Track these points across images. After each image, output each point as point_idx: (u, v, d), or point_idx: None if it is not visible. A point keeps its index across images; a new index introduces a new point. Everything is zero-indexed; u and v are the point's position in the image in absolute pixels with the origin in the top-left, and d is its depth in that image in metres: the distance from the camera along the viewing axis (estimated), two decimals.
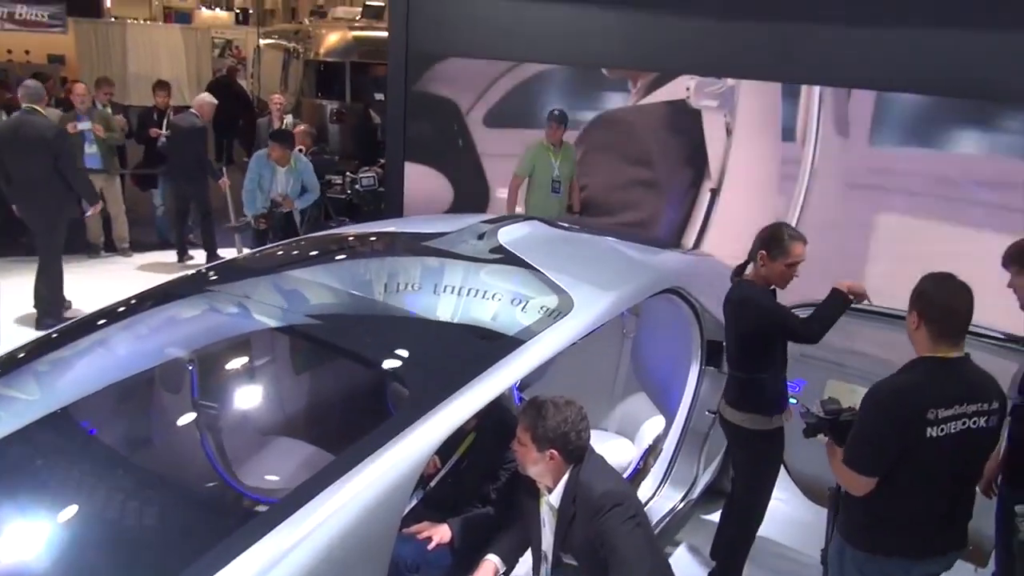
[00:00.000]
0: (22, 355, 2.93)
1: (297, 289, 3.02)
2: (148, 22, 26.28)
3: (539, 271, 3.30)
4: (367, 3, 13.14)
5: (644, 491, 3.91)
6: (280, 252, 3.52)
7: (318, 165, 7.42)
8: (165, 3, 40.09)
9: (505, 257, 3.44)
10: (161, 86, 9.00)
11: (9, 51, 13.07)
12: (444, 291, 3.06)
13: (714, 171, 6.71)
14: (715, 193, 6.73)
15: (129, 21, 22.34)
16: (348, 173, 8.13)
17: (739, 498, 3.76)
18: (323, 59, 11.52)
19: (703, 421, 4.01)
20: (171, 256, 8.41)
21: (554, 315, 2.97)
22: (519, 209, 6.81)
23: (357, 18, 12.74)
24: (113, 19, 24.74)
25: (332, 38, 11.61)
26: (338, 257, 3.43)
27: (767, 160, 6.48)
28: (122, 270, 7.97)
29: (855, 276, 6.02)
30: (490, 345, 2.79)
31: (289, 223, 6.66)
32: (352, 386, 3.04)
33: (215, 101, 8.17)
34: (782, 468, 3.81)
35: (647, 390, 4.33)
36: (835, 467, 2.70)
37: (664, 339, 4.27)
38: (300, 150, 7.57)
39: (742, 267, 3.61)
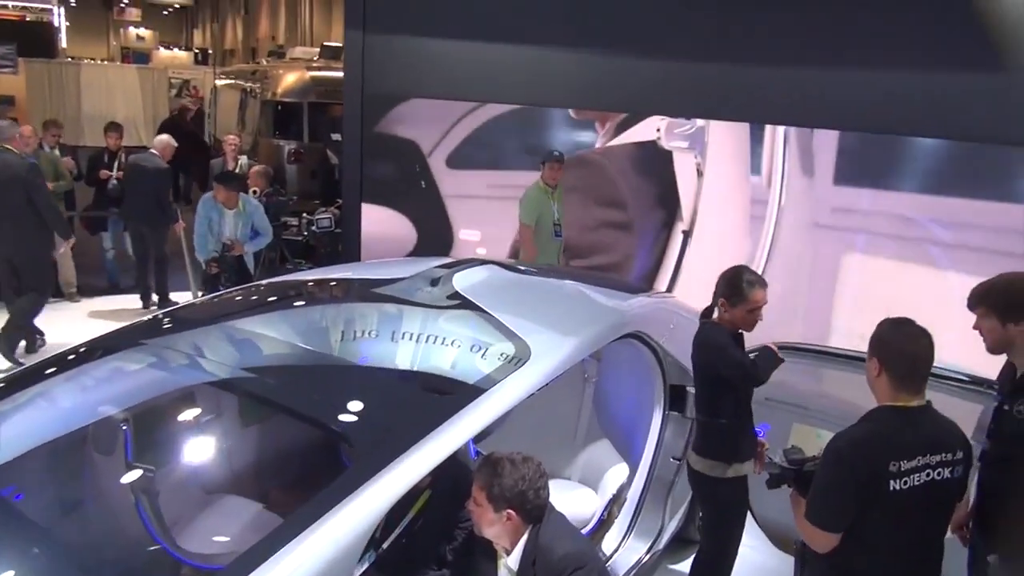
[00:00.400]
0: None
1: (238, 340, 2.86)
2: (105, 62, 26.08)
3: (495, 318, 3.19)
4: (325, 44, 13.11)
5: (609, 543, 3.78)
6: (224, 301, 3.37)
7: (273, 206, 7.26)
8: (123, 43, 39.98)
9: (460, 303, 3.32)
10: (113, 127, 8.79)
11: None
12: (393, 341, 2.94)
13: (686, 213, 6.67)
14: (687, 235, 6.69)
15: (85, 61, 22.12)
16: (304, 214, 7.98)
17: (706, 548, 3.66)
18: (280, 99, 11.43)
19: (668, 468, 3.90)
20: (121, 301, 8.13)
21: (512, 364, 2.86)
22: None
23: (315, 59, 12.68)
24: (70, 59, 24.50)
25: (289, 78, 11.53)
26: (283, 306, 3.29)
27: (738, 201, 6.46)
28: (71, 316, 7.67)
29: (822, 316, 6.12)
30: (443, 398, 2.67)
31: (242, 267, 6.47)
32: (297, 444, 2.88)
33: (174, 143, 7.99)
34: (749, 515, 3.71)
35: (610, 437, 4.22)
36: (798, 521, 2.60)
37: (626, 384, 4.18)
38: (254, 191, 7.43)
39: (709, 309, 3.56)
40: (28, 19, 27.78)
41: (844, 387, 3.88)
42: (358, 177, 7.51)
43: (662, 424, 3.88)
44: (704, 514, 3.69)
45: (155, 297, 7.92)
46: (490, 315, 3.22)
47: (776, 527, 3.93)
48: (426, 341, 2.95)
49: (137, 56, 32.51)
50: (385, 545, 3.00)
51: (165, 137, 8.15)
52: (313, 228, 7.61)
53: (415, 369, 2.82)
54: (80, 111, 19.01)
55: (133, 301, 8.05)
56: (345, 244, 7.64)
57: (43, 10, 30.99)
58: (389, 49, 7.46)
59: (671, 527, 4.00)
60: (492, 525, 2.57)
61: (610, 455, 4.12)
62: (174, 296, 7.80)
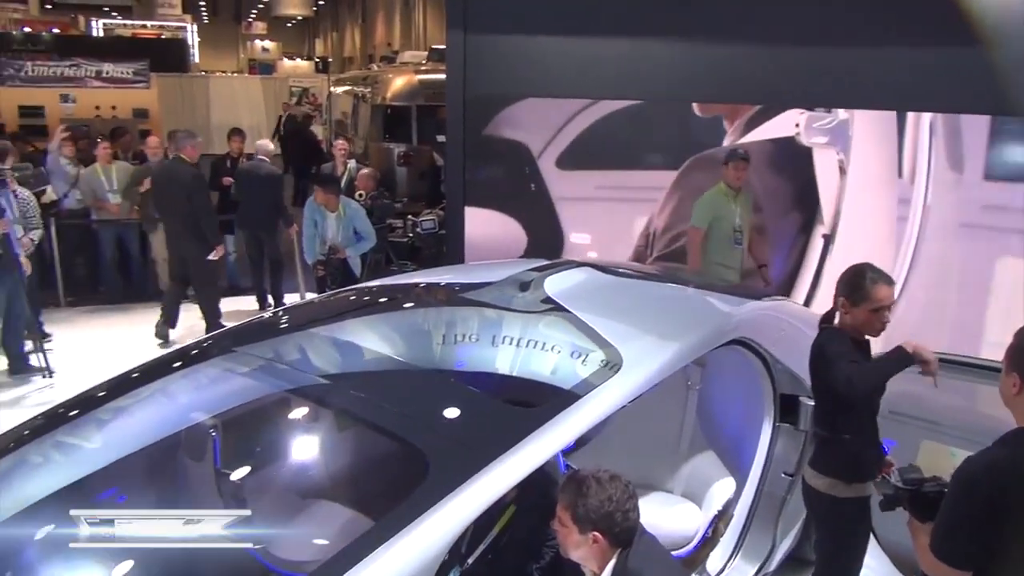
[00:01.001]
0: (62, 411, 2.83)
1: (323, 348, 2.83)
2: (234, 74, 27.50)
3: (585, 324, 3.02)
4: (433, 47, 13.24)
5: (714, 562, 3.54)
6: (311, 307, 3.35)
7: (378, 209, 7.33)
8: (250, 56, 42.08)
9: (549, 308, 3.17)
10: (236, 133, 9.16)
11: (97, 107, 13.67)
12: (475, 348, 2.82)
13: (827, 215, 6.02)
14: (828, 239, 6.04)
15: (214, 74, 23.36)
16: (410, 216, 8.03)
17: (822, 571, 3.36)
18: (390, 103, 11.61)
19: (779, 484, 3.62)
20: (239, 302, 8.41)
21: (602, 373, 2.69)
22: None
23: (423, 62, 12.83)
24: (203, 72, 25.93)
25: (399, 82, 11.70)
26: (369, 312, 3.23)
27: (885, 200, 5.78)
28: (193, 315, 8.00)
29: (972, 326, 5.48)
30: (526, 410, 2.53)
31: (347, 270, 6.55)
32: (380, 453, 2.80)
33: (275, 149, 8.24)
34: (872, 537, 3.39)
35: (715, 448, 3.96)
36: (919, 552, 2.30)
37: (733, 393, 3.92)
38: (360, 195, 7.52)
39: (829, 314, 3.26)
40: (164, 36, 29.70)
41: (984, 402, 3.48)
42: (461, 179, 7.44)
43: (772, 436, 3.61)
44: (820, 535, 3.38)
45: (270, 299, 8.16)
46: (581, 321, 3.05)
47: (902, 551, 3.57)
48: (510, 348, 2.82)
49: (263, 67, 34.10)
50: (470, 561, 2.89)
51: (267, 143, 8.43)
52: (418, 230, 7.64)
53: (495, 379, 2.69)
54: (209, 121, 20.08)
55: (251, 302, 8.32)
56: (449, 246, 7.62)
57: (178, 28, 33.10)
58: (492, 48, 7.35)
59: (783, 547, 3.71)
60: (578, 547, 2.40)
61: (716, 468, 3.87)
62: (288, 298, 8.02)
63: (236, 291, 8.79)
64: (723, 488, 3.75)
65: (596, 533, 2.35)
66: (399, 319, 3.20)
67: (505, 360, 2.77)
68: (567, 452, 4.16)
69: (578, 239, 7.12)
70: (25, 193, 6.55)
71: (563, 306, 3.19)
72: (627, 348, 2.87)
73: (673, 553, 3.60)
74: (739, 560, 3.54)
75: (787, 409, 3.58)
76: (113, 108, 13.79)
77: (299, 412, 2.77)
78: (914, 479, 2.40)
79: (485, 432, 2.43)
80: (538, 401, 2.57)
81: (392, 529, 2.07)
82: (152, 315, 7.45)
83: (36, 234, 6.64)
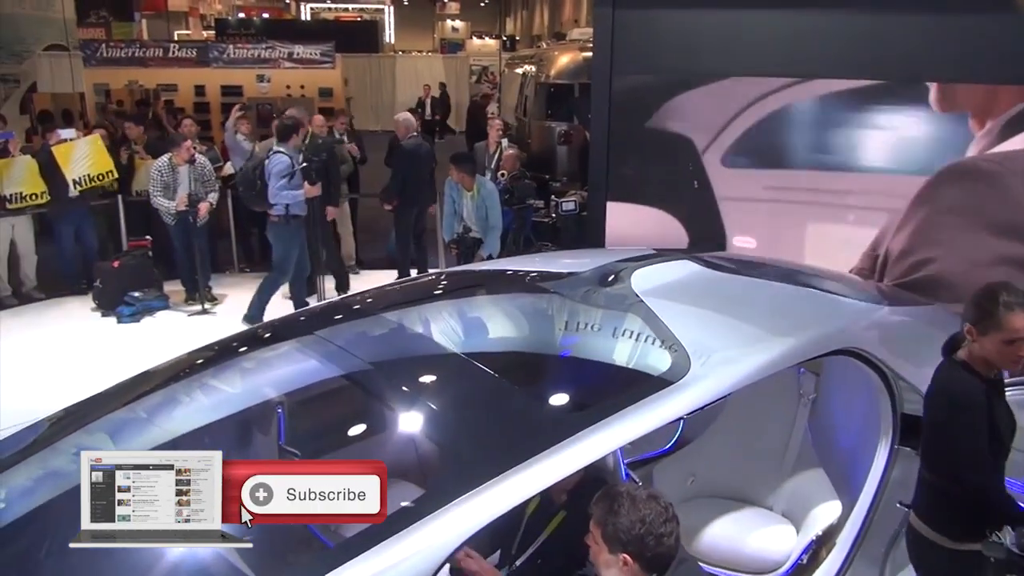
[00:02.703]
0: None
1: (377, 332, 2.82)
2: (419, 53, 28.56)
3: (662, 325, 2.80)
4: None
5: None
6: (382, 293, 3.37)
7: (518, 189, 7.30)
8: (440, 35, 43.46)
9: (627, 304, 2.97)
10: (410, 111, 9.47)
11: (288, 86, 14.61)
12: (530, 342, 2.71)
13: None
14: None
15: (398, 53, 24.36)
16: (553, 197, 7.93)
17: None
18: (553, 81, 11.52)
19: (893, 514, 3.20)
20: (393, 275, 8.72)
21: (658, 383, 2.48)
22: None
23: (590, 39, 12.59)
24: (394, 53, 27.12)
25: (563, 60, 11.58)
26: (434, 299, 3.19)
27: None
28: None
29: None
30: (568, 415, 2.39)
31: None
32: (424, 445, 2.76)
33: (414, 122, 8.42)
34: None
35: (825, 467, 3.58)
36: None
37: (851, 407, 3.52)
38: (502, 174, 7.51)
39: (957, 339, 2.82)
40: (363, 19, 31.38)
41: None
42: (604, 162, 7.20)
43: (888, 460, 3.20)
44: None
45: (414, 273, 8.38)
46: (657, 320, 2.84)
47: None
48: (567, 344, 2.68)
49: (451, 46, 35.08)
50: (519, 563, 2.80)
51: (405, 115, 8.59)
52: (559, 211, 7.53)
53: (538, 377, 2.56)
54: (395, 99, 21.00)
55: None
56: (589, 229, 7.44)
57: (376, 10, 34.89)
58: (642, 24, 6.99)
59: None
60: (608, 568, 2.24)
61: (822, 488, 3.50)
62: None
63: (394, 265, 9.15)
64: (828, 511, 3.38)
65: (626, 555, 2.18)
66: (457, 307, 3.13)
67: (558, 358, 2.63)
68: (664, 454, 3.96)
69: (741, 243, 6.50)
70: (202, 159, 7.55)
71: (643, 302, 2.99)
72: (700, 355, 2.64)
73: None
74: None
75: (910, 431, 3.16)
76: (302, 88, 14.68)
77: (341, 393, 2.79)
78: None
79: (510, 433, 2.31)
80: (582, 406, 2.42)
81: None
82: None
83: (213, 197, 7.54)
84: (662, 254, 3.70)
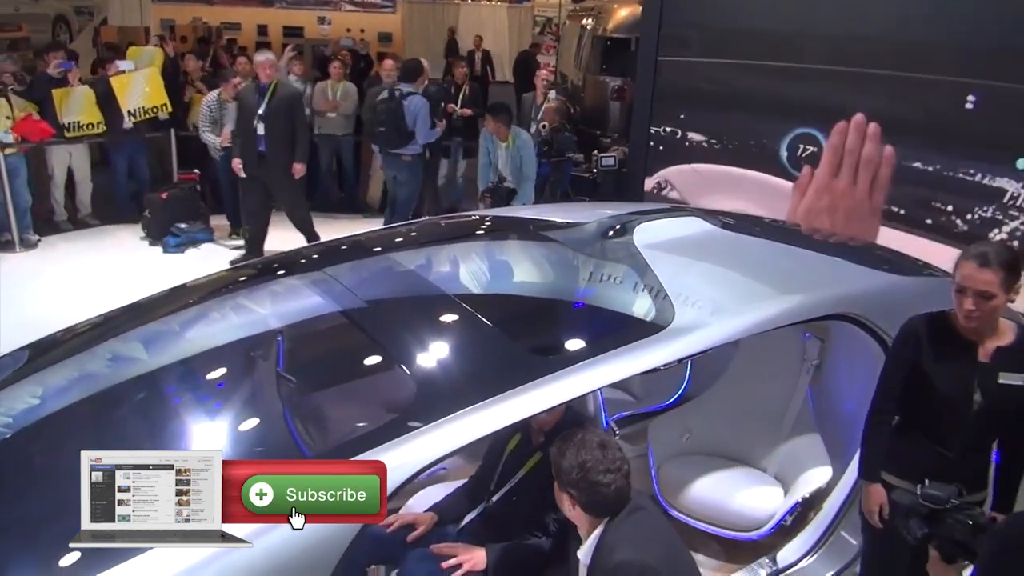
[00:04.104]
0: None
1: (374, 271, 2.89)
2: (494, 2, 28.11)
3: (654, 278, 2.81)
4: None
5: (788, 553, 3.22)
6: (386, 235, 3.44)
7: (557, 141, 7.25)
8: None
9: (623, 257, 2.98)
10: (460, 61, 9.40)
11: (348, 29, 14.68)
12: (518, 289, 2.74)
13: None
14: None
15: (466, 1, 24.04)
16: (596, 152, 7.86)
17: None
18: (610, 35, 11.30)
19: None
20: None
21: (637, 332, 2.51)
22: None
23: None
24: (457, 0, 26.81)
25: (621, 13, 11.33)
26: (434, 243, 3.25)
27: None
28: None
29: None
30: (545, 358, 2.43)
31: (513, 200, 6.57)
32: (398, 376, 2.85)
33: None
34: None
35: (823, 433, 3.55)
36: None
37: (854, 375, 3.47)
38: (544, 126, 7.47)
39: None
40: None
41: None
42: (647, 119, 7.11)
43: None
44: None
45: None
46: (651, 274, 2.84)
47: None
48: (558, 290, 2.72)
49: None
50: (494, 499, 2.88)
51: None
52: (599, 166, 7.46)
53: (521, 319, 2.60)
54: (458, 48, 20.82)
55: None
56: (629, 187, 7.38)
57: None
58: None
59: None
60: (561, 503, 2.31)
61: (817, 453, 3.47)
62: None
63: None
64: (818, 475, 3.36)
65: (568, 496, 2.24)
66: (450, 251, 3.18)
67: (545, 301, 2.67)
68: (661, 409, 3.98)
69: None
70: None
71: (641, 256, 2.99)
72: (686, 307, 2.64)
73: (740, 535, 3.34)
74: (816, 558, 3.19)
75: None
76: (362, 31, 14.74)
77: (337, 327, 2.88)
78: (935, 496, 1.97)
79: (485, 369, 2.37)
80: (556, 348, 2.45)
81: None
82: (357, 225, 7.99)
83: None
84: (674, 210, 3.67)
